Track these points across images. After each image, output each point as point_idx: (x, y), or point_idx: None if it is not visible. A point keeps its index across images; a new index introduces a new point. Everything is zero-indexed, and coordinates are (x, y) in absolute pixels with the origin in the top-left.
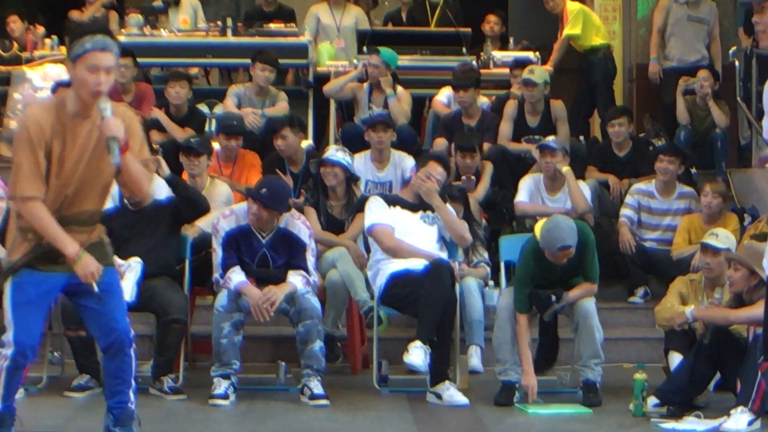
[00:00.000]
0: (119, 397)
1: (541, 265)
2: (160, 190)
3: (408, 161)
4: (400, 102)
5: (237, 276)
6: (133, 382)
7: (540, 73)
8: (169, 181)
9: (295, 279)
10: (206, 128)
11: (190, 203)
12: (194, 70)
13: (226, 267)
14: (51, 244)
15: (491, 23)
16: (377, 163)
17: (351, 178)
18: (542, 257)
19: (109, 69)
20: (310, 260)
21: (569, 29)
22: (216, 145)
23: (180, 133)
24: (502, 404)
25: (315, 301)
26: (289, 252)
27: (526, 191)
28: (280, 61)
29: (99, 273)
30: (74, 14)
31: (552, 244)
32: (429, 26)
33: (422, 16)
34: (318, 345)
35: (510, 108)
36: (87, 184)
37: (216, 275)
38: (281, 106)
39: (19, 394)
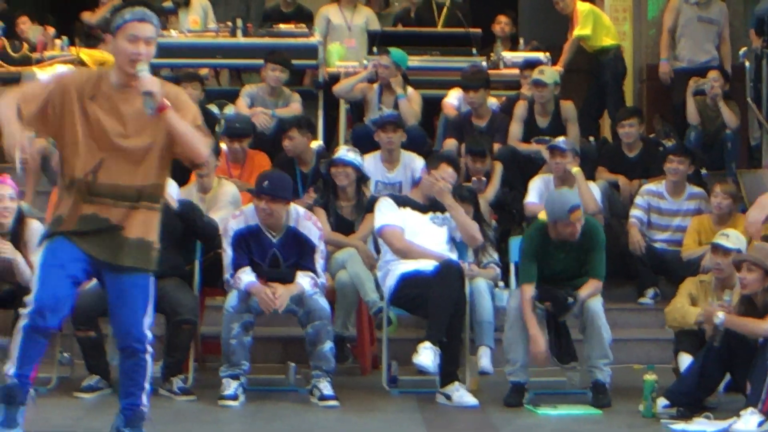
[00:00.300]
0: (131, 398)
1: (546, 249)
2: (171, 190)
3: (418, 162)
4: (411, 103)
5: (247, 276)
6: (146, 385)
7: (550, 73)
8: (180, 214)
9: (303, 280)
10: (217, 129)
11: (199, 236)
12: (204, 71)
13: (236, 267)
14: (92, 213)
15: (502, 24)
16: (387, 163)
17: (362, 179)
18: (546, 240)
19: (149, 40)
20: (319, 262)
21: (579, 30)
22: (223, 146)
23: None
24: (511, 405)
25: (324, 302)
26: (299, 252)
27: (536, 192)
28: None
29: None
30: (86, 15)
31: (562, 209)
32: (436, 26)
33: (429, 16)
34: (327, 346)
35: (520, 109)
36: (124, 154)
37: (226, 275)
38: (293, 107)
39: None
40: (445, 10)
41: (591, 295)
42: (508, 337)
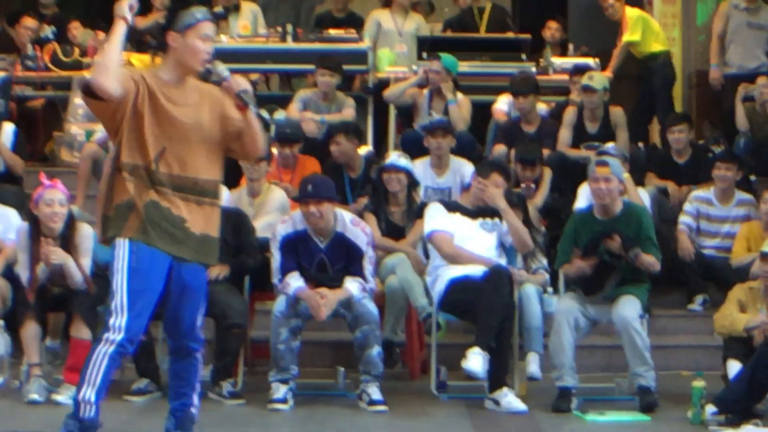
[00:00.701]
0: (183, 399)
1: (588, 235)
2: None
3: (467, 167)
4: (461, 108)
5: (295, 281)
6: (197, 385)
7: (599, 79)
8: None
9: (351, 285)
10: (269, 134)
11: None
12: (255, 76)
13: (284, 272)
14: (164, 207)
15: (552, 30)
16: (436, 169)
17: (412, 184)
18: (589, 224)
19: (213, 40)
20: (368, 268)
21: (629, 35)
22: (275, 151)
23: None
24: (560, 410)
25: (372, 307)
26: (347, 258)
27: (585, 198)
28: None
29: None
30: (137, 21)
31: (591, 168)
32: (479, 31)
33: (471, 21)
34: (376, 350)
35: (569, 114)
36: (187, 146)
37: (275, 280)
38: (346, 113)
39: None
40: (486, 14)
41: (649, 263)
42: (554, 341)
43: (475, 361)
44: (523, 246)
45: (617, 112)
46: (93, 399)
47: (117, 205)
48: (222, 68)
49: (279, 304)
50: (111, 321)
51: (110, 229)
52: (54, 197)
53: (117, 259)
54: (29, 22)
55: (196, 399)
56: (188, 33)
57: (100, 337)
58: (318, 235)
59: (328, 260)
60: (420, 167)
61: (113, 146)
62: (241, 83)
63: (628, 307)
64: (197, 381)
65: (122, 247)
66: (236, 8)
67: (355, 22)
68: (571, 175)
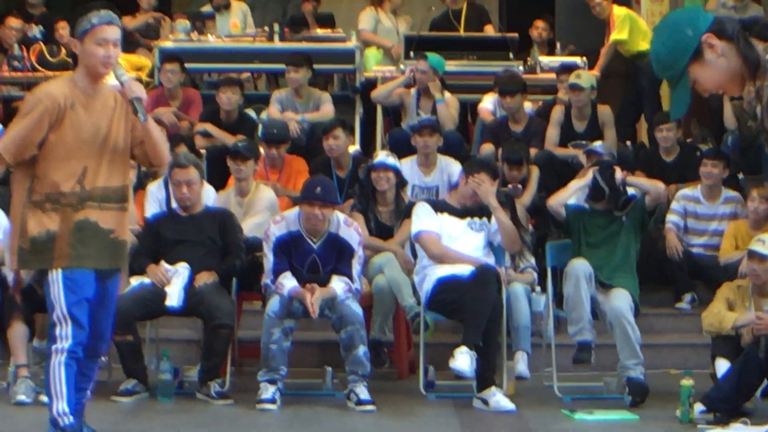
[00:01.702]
0: (82, 394)
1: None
2: (208, 196)
3: (455, 166)
4: (448, 107)
5: (289, 282)
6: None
7: (587, 77)
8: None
9: (337, 285)
10: (257, 134)
11: (228, 248)
12: (246, 75)
13: (277, 273)
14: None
15: (539, 29)
16: (424, 168)
17: (401, 183)
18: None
19: (116, 42)
20: (356, 267)
21: (616, 34)
22: (262, 151)
23: (231, 140)
24: (581, 362)
25: (356, 307)
26: (338, 258)
27: (573, 197)
28: (328, 66)
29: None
30: (126, 20)
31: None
32: (458, 30)
33: (449, 25)
34: (362, 350)
35: (557, 113)
36: (107, 156)
37: (267, 281)
38: (325, 110)
39: None
40: (462, 16)
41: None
42: (571, 295)
43: (463, 360)
44: (512, 245)
45: (605, 111)
46: (67, 409)
47: (33, 237)
48: (121, 72)
49: (272, 305)
50: (57, 331)
51: (33, 262)
52: None
53: (53, 285)
54: (14, 22)
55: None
56: (85, 38)
57: (49, 351)
58: (311, 235)
59: (320, 261)
60: (407, 166)
61: (21, 180)
62: (136, 90)
63: (621, 299)
64: (95, 376)
65: (56, 278)
66: (227, 7)
67: (328, 21)
68: (559, 173)
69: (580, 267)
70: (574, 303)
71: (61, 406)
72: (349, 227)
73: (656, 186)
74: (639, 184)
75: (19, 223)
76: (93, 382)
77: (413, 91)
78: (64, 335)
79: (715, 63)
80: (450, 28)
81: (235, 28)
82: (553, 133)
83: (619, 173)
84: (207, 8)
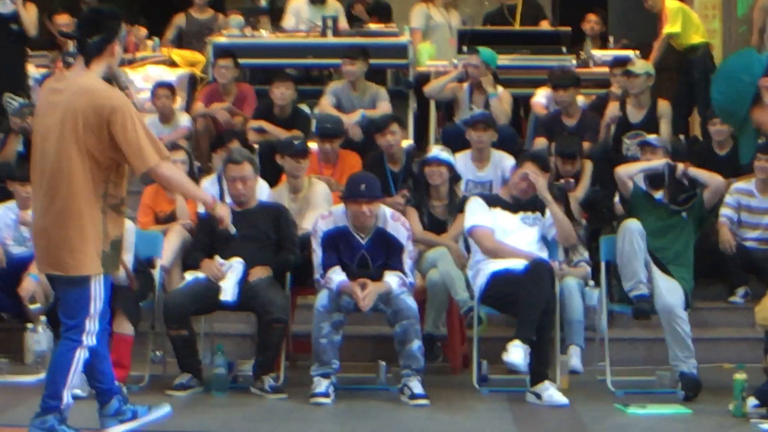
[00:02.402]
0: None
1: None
2: (262, 191)
3: (508, 161)
4: (501, 102)
5: (337, 276)
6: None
7: (641, 65)
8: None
9: (391, 279)
10: (311, 129)
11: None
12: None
13: (326, 267)
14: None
15: (591, 22)
16: (477, 162)
17: (454, 178)
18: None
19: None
20: (407, 262)
21: (669, 27)
22: (314, 146)
23: (285, 136)
24: (641, 313)
25: (411, 301)
26: (387, 253)
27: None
28: (381, 61)
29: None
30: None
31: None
32: (513, 25)
33: (503, 20)
34: (416, 345)
35: (611, 110)
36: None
37: (316, 275)
38: (382, 108)
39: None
40: (518, 11)
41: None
42: (626, 250)
43: (516, 353)
44: (567, 238)
45: (664, 105)
46: (71, 399)
47: (113, 241)
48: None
49: (321, 299)
50: (87, 327)
51: (109, 266)
52: None
53: (96, 285)
54: (63, 19)
55: None
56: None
57: (72, 345)
58: (359, 231)
59: (369, 256)
60: (461, 160)
61: (98, 184)
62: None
63: (672, 295)
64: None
65: (101, 280)
66: (283, 3)
67: (385, 13)
68: (613, 167)
69: (633, 224)
70: (628, 258)
71: (69, 394)
72: (396, 221)
73: (715, 179)
74: (699, 176)
75: (100, 227)
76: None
77: (466, 85)
78: (92, 332)
79: None
80: (504, 22)
81: (289, 24)
82: (609, 130)
83: (680, 166)
84: (263, 3)
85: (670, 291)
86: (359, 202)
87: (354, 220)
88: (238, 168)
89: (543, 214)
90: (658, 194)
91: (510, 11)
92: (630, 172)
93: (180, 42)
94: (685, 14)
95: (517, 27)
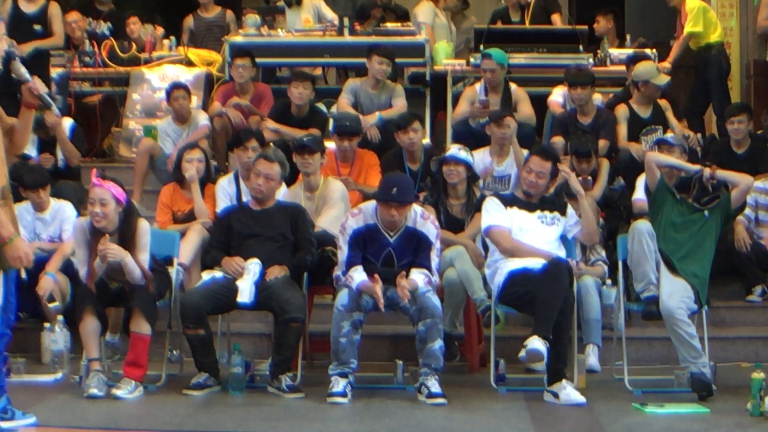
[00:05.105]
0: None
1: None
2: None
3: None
4: (521, 102)
5: (359, 275)
6: None
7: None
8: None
9: (418, 277)
10: (328, 128)
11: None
12: (318, 71)
13: (349, 265)
14: None
15: (601, 23)
16: (496, 156)
17: (472, 177)
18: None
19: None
20: (434, 260)
21: (691, 27)
22: (332, 145)
23: (300, 134)
24: (650, 316)
25: (436, 300)
26: (414, 251)
27: (643, 188)
28: (398, 60)
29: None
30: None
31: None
32: (524, 23)
33: (508, 16)
34: (438, 344)
35: (622, 110)
36: None
37: (338, 272)
38: (398, 106)
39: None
40: (529, 10)
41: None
42: (637, 251)
43: (537, 342)
44: (591, 235)
45: (663, 103)
46: None
47: None
48: (23, 71)
49: (341, 298)
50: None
51: None
52: (95, 196)
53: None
54: (74, 16)
55: None
56: None
57: None
58: (388, 229)
59: (395, 254)
60: (479, 156)
61: None
62: (39, 86)
63: (672, 298)
64: None
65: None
66: (298, 3)
67: (401, 14)
68: (629, 166)
69: (643, 226)
70: (638, 259)
71: None
72: (426, 220)
73: (745, 178)
74: (728, 177)
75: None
76: None
77: (478, 85)
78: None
79: None
80: (508, 20)
81: (306, 23)
82: (622, 129)
83: (707, 171)
84: (281, 2)
85: (671, 294)
86: (390, 205)
87: (382, 219)
88: (267, 165)
89: (562, 213)
90: (681, 195)
91: (521, 6)
92: (661, 162)
93: (194, 43)
94: (705, 12)
95: (527, 22)
